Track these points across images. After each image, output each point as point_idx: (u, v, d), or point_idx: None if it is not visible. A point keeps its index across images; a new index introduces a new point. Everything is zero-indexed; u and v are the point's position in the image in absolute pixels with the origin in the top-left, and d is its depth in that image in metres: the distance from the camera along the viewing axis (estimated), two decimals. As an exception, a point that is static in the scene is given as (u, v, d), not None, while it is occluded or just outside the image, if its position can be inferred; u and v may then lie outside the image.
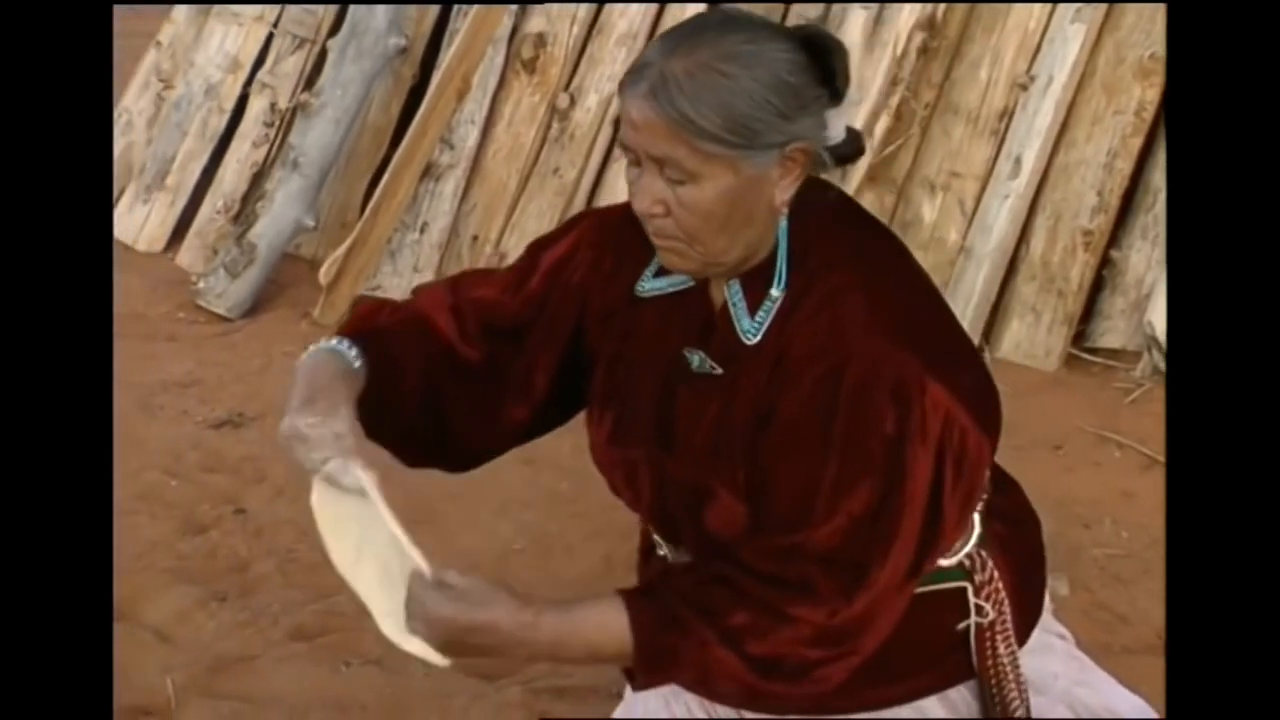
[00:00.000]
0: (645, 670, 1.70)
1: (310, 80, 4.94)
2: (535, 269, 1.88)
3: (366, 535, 1.64)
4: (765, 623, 1.62)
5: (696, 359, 1.72)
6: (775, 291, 1.63)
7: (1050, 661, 1.83)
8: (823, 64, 1.61)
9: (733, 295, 1.68)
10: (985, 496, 1.77)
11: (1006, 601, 1.74)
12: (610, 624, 1.65)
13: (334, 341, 1.82)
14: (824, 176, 1.72)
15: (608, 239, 1.81)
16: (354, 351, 1.80)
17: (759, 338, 1.65)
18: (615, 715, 1.92)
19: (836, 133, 1.65)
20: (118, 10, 4.15)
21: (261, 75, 5.06)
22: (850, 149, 1.69)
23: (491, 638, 1.61)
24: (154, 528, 3.88)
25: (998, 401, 1.72)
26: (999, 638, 1.71)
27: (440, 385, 1.88)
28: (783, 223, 1.66)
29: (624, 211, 1.74)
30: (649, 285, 1.79)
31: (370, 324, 1.89)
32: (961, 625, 1.74)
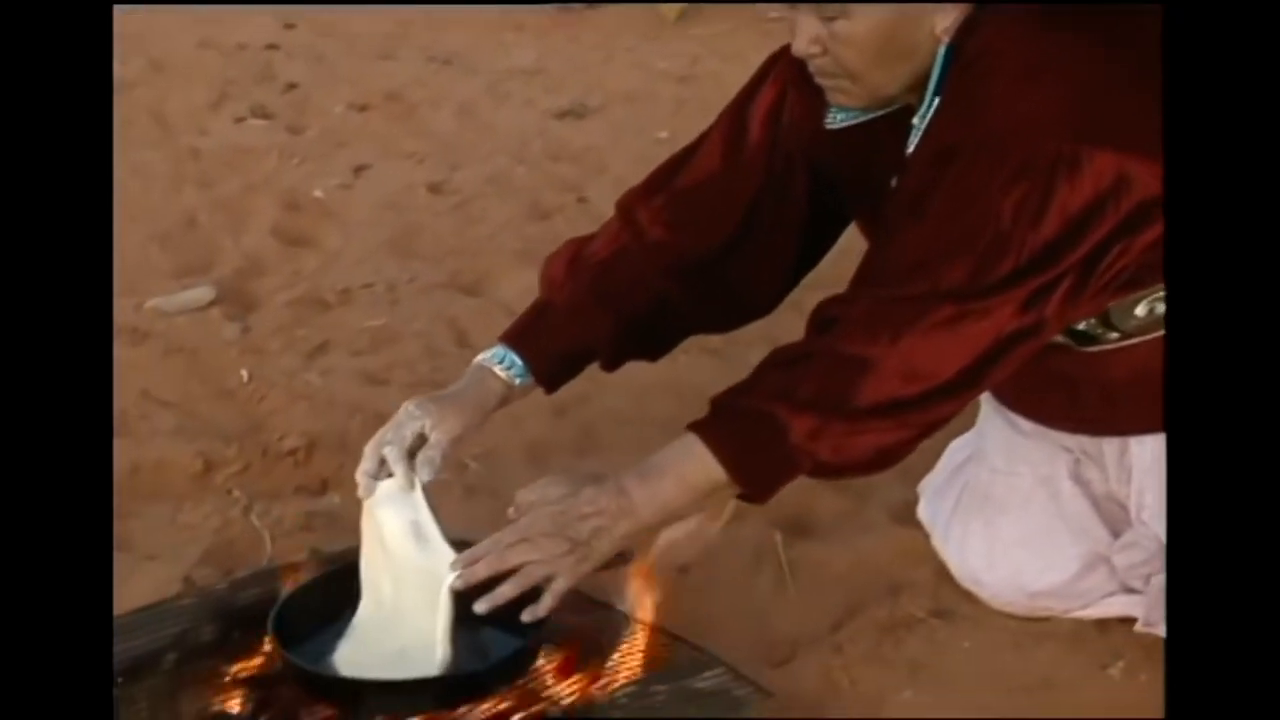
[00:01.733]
0: (744, 473, 1.69)
1: None
2: (748, 124, 1.88)
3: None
4: (839, 381, 1.64)
5: (894, 182, 1.66)
6: (924, 108, 1.63)
7: None
8: None
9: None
10: None
11: None
12: (688, 449, 1.66)
13: (495, 355, 1.96)
14: None
15: (806, 74, 1.76)
16: (512, 364, 1.95)
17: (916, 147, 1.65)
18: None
19: None
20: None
21: None
22: None
23: (598, 517, 1.72)
24: (502, 210, 4.06)
25: None
26: None
27: (670, 291, 1.98)
28: (943, 49, 1.61)
29: None
30: (840, 117, 1.78)
31: (555, 299, 2.01)
32: None
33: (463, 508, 2.67)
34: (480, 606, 1.81)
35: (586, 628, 2.06)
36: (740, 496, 1.85)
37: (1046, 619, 2.25)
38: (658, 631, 2.05)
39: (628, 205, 2.10)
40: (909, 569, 2.43)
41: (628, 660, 2.00)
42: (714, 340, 3.37)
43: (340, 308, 3.55)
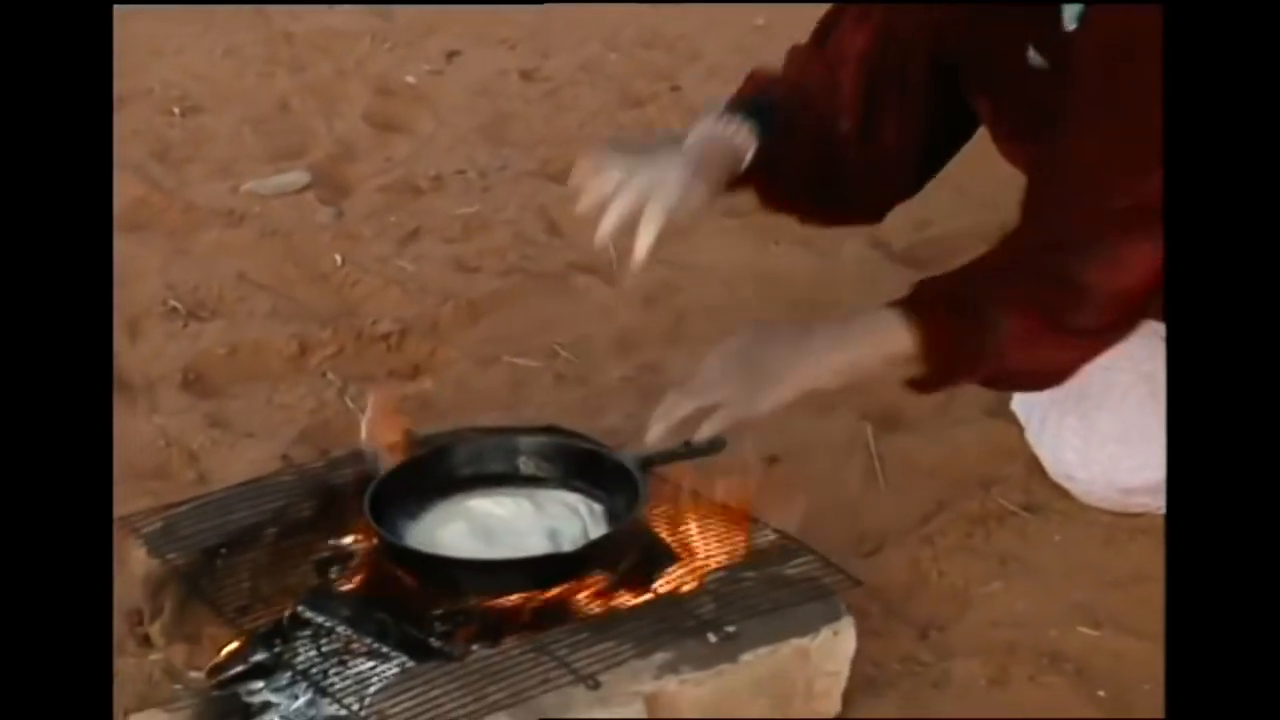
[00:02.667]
0: (937, 357, 1.66)
1: None
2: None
3: None
4: (1059, 298, 1.64)
5: (1031, 54, 1.59)
6: None
7: None
8: None
9: None
10: None
11: None
12: (885, 321, 1.62)
13: (726, 118, 1.86)
14: None
15: None
16: (745, 126, 1.80)
17: (1077, 25, 1.51)
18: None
19: None
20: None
21: None
22: None
23: (773, 345, 1.74)
24: (594, 98, 4.02)
25: None
26: None
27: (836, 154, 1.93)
28: None
29: None
30: None
31: (766, 93, 1.92)
32: None
33: (552, 395, 2.70)
34: (653, 431, 1.81)
35: (677, 516, 2.07)
36: (911, 384, 1.84)
37: (1140, 515, 2.23)
38: (748, 520, 2.06)
39: (804, 54, 2.04)
40: (1000, 463, 2.41)
41: (718, 548, 2.01)
42: (807, 231, 3.34)
43: (432, 194, 3.56)
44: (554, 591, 1.93)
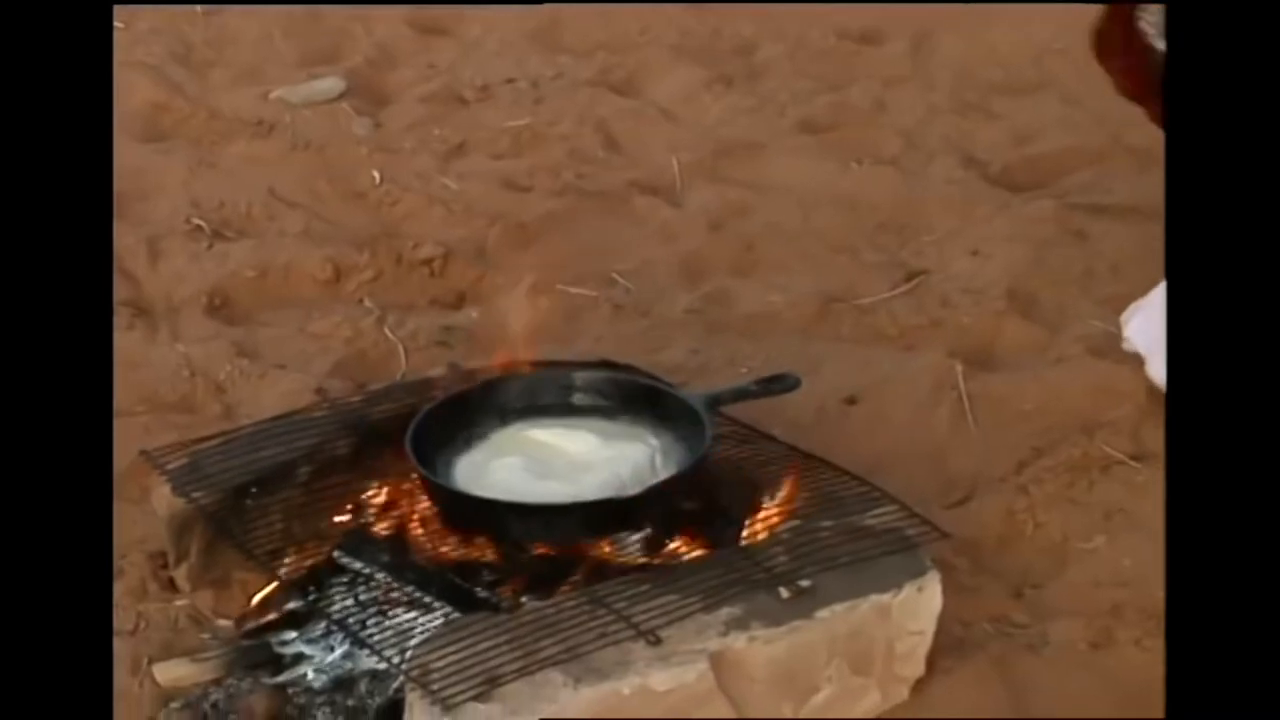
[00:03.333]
0: None
1: None
2: None
3: None
4: None
5: None
6: None
7: None
8: None
9: None
10: None
11: None
12: None
13: None
14: None
15: None
16: None
17: None
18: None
19: None
20: None
21: None
22: None
23: None
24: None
25: None
26: None
27: None
28: None
29: None
30: None
31: None
32: None
33: (609, 327, 2.70)
34: None
35: (748, 460, 2.07)
36: None
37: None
38: (825, 466, 2.06)
39: None
40: (1106, 406, 2.39)
41: (792, 496, 2.01)
42: (891, 148, 3.32)
43: (478, 105, 3.56)
44: (613, 539, 1.94)
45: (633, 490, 1.95)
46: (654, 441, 2.04)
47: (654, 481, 1.96)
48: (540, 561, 1.93)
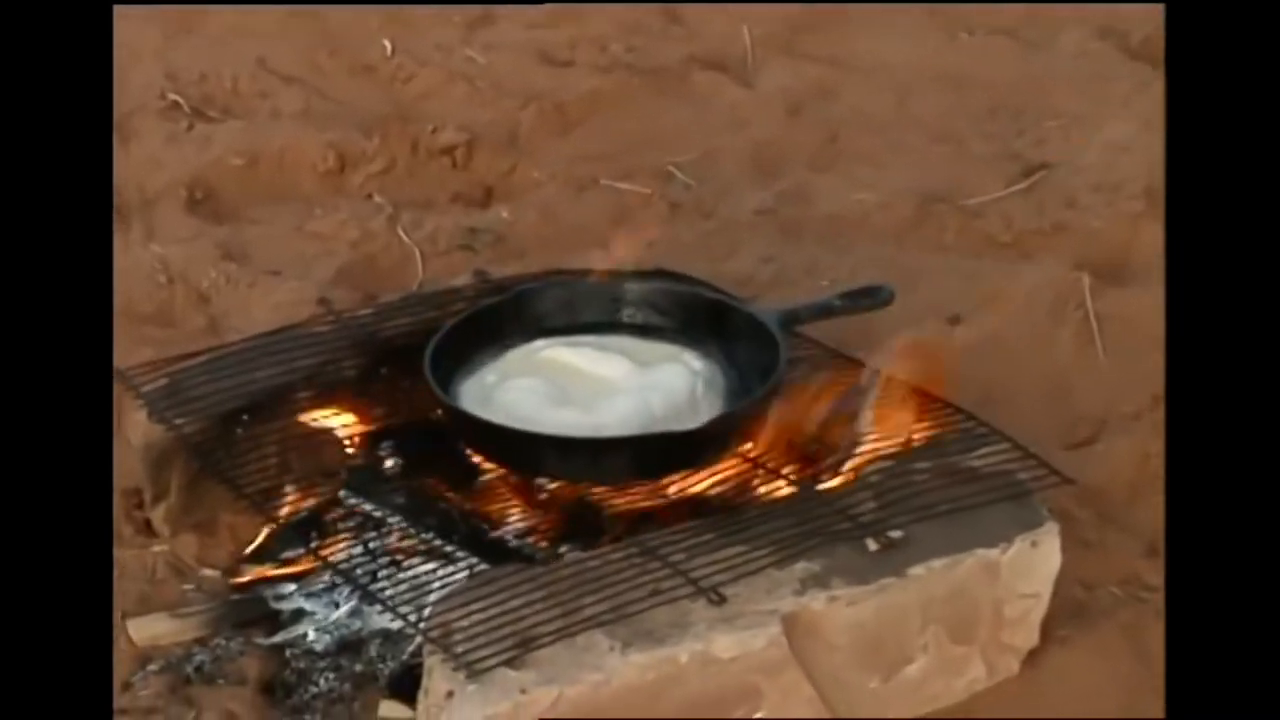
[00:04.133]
0: None
1: None
2: None
3: None
4: None
5: None
6: None
7: None
8: None
9: None
10: None
11: None
12: None
13: None
14: None
15: None
16: None
17: None
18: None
19: None
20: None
21: None
22: None
23: None
24: None
25: None
26: None
27: None
28: None
29: None
30: None
31: None
32: None
33: (666, 230, 2.70)
34: None
35: (829, 387, 2.09)
36: None
37: None
38: (922, 396, 2.08)
39: None
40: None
41: (882, 430, 2.03)
42: (1010, 15, 3.30)
43: (509, -39, 3.56)
44: (668, 480, 1.97)
45: (692, 421, 1.97)
46: (696, 366, 2.07)
47: (714, 411, 1.99)
48: (583, 506, 1.96)
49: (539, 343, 2.13)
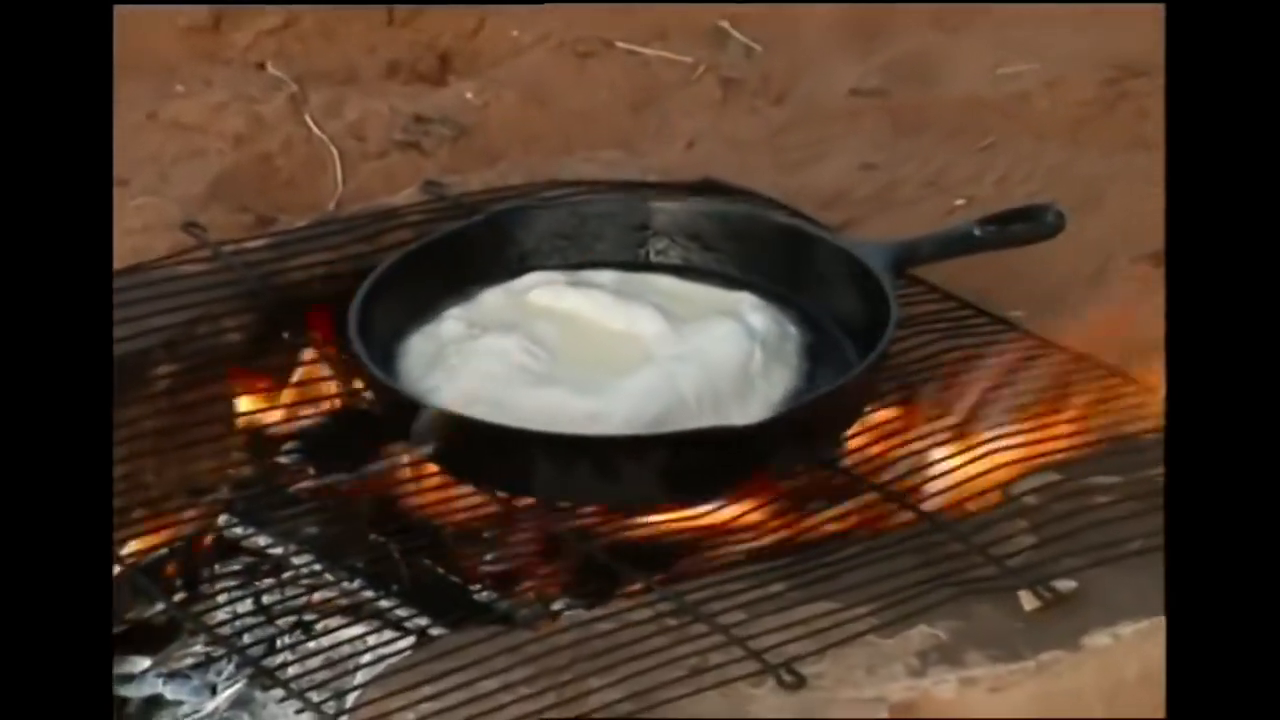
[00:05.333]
0: None
1: None
2: None
3: None
4: None
5: None
6: None
7: None
8: None
9: None
10: None
11: None
12: None
13: None
14: None
15: None
16: None
17: None
18: None
19: None
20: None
21: None
22: None
23: None
24: None
25: None
26: None
27: None
28: None
29: None
30: None
31: None
32: None
33: (716, 119, 2.74)
34: None
35: (965, 363, 2.12)
36: None
37: None
38: (1106, 376, 2.11)
39: None
40: None
41: (1044, 429, 2.05)
42: None
43: None
44: (717, 503, 2.00)
45: (740, 411, 1.99)
46: (757, 324, 2.09)
47: (797, 403, 2.01)
48: (586, 538, 1.99)
49: (529, 279, 2.16)
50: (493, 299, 2.14)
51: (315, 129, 2.74)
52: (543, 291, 2.14)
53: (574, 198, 2.25)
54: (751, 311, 2.11)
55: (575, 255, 2.20)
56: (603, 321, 2.10)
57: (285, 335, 2.16)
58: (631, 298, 2.12)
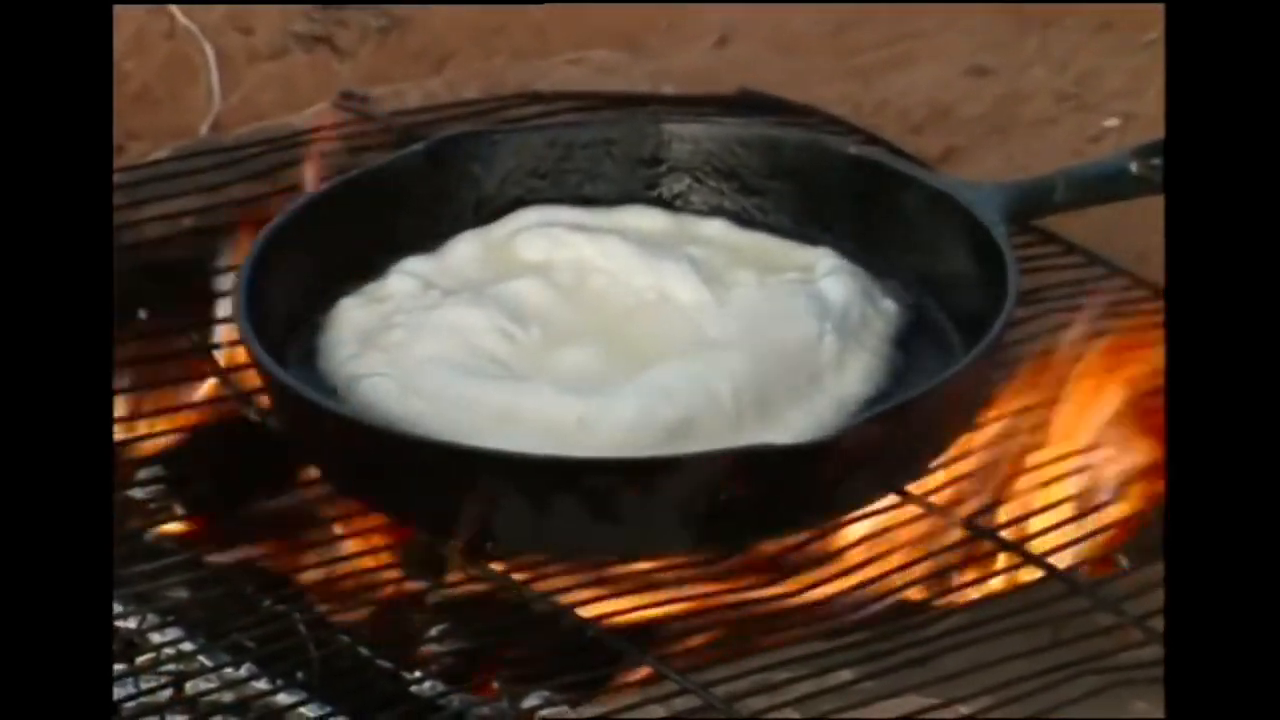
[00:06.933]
0: None
1: None
2: None
3: None
4: None
5: None
6: None
7: None
8: None
9: None
10: None
11: None
12: None
13: None
14: None
15: None
16: None
17: None
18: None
19: None
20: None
21: None
22: None
23: None
24: None
25: None
26: None
27: None
28: None
29: None
30: None
31: None
32: None
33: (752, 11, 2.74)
34: None
35: (1117, 351, 2.18)
36: None
37: None
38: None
39: None
40: None
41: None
42: None
43: None
44: (756, 551, 2.04)
45: (798, 420, 2.02)
46: (831, 293, 2.13)
47: (898, 400, 2.04)
48: (566, 611, 2.02)
49: (518, 218, 2.21)
50: (464, 248, 2.18)
51: (181, 17, 2.77)
52: (535, 238, 2.18)
53: (554, 119, 2.27)
54: (827, 276, 2.15)
55: (564, 192, 2.25)
56: (616, 283, 2.14)
57: (140, 314, 2.19)
58: (661, 250, 2.16)
